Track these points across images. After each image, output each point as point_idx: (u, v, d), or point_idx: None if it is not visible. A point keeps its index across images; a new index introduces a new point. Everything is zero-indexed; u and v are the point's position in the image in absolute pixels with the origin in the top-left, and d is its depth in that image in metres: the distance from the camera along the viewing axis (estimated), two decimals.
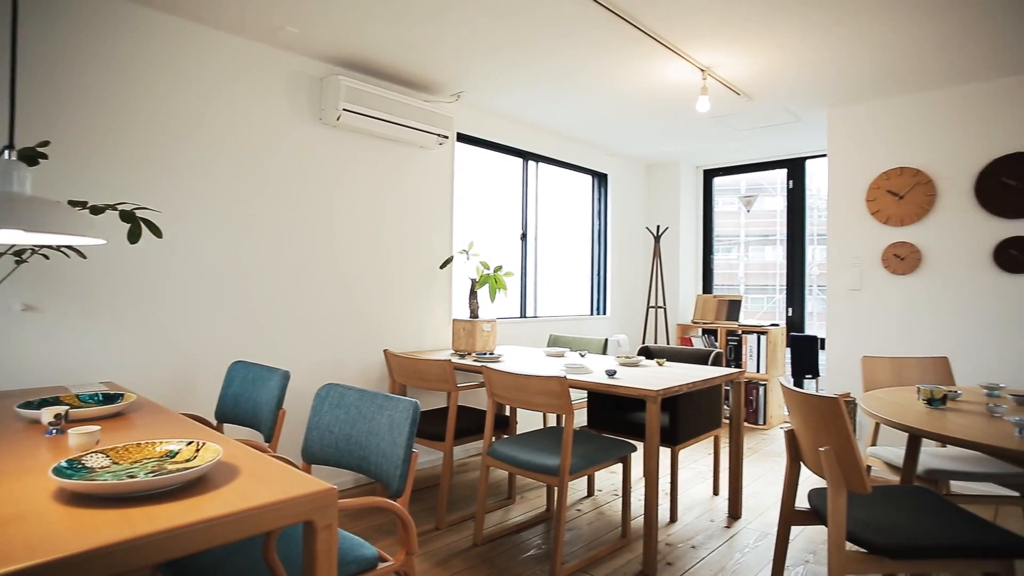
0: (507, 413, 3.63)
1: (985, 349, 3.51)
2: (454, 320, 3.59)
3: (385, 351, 3.29)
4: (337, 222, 3.37)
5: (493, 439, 3.19)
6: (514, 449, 2.56)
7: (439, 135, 3.67)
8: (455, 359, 3.25)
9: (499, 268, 3.61)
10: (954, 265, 3.61)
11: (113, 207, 2.00)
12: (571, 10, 2.68)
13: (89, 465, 1.22)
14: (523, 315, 4.68)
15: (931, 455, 2.51)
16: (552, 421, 4.51)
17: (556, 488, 2.33)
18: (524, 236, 4.69)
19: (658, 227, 5.82)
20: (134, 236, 1.93)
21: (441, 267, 3.68)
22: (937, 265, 3.67)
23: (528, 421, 4.52)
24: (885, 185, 3.85)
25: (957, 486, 3.51)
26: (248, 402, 2.30)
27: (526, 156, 4.70)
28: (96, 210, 1.99)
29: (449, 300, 4.02)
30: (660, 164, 5.86)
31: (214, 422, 2.46)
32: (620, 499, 3.28)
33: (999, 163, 3.46)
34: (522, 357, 3.43)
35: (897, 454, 2.57)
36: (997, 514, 3.15)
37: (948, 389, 2.28)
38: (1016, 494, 2.36)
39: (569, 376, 2.66)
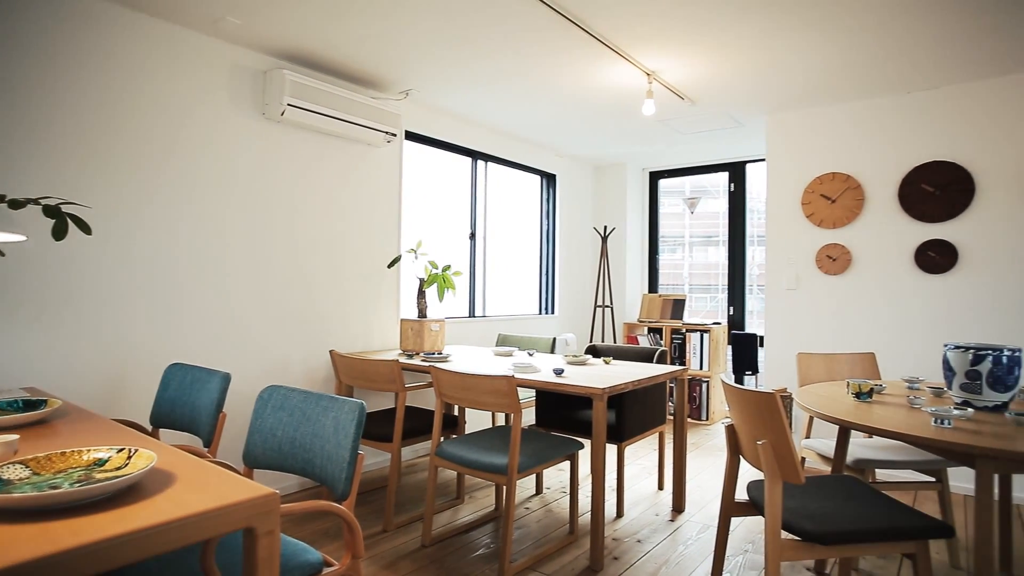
0: (456, 413, 3.62)
1: (907, 345, 3.72)
2: (402, 320, 3.55)
3: (331, 352, 3.23)
4: (281, 220, 3.29)
5: (441, 439, 3.18)
6: (463, 449, 2.55)
7: (387, 133, 3.62)
8: (403, 359, 3.22)
9: (448, 267, 3.60)
10: (880, 266, 3.82)
11: (36, 201, 1.89)
12: (520, 10, 2.70)
13: (6, 477, 1.15)
14: (472, 315, 4.68)
15: (859, 445, 2.65)
16: (501, 420, 4.52)
17: (505, 487, 2.34)
18: (473, 235, 4.69)
19: (605, 227, 5.92)
20: (59, 233, 1.83)
21: (389, 266, 3.64)
22: (865, 266, 3.87)
23: (477, 421, 4.51)
24: (819, 189, 4.03)
25: (882, 474, 3.71)
26: (186, 406, 2.22)
27: (475, 155, 4.70)
28: (16, 204, 1.87)
29: (397, 300, 3.97)
30: (608, 165, 5.96)
31: (149, 427, 2.35)
32: (568, 496, 3.32)
33: (919, 170, 3.68)
34: (471, 357, 3.43)
35: (829, 445, 2.69)
36: (916, 499, 3.35)
37: (874, 383, 2.40)
38: (933, 479, 2.52)
39: (517, 375, 2.68)
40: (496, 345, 4.23)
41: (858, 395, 2.19)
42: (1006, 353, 1.95)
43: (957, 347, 2.04)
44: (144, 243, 2.76)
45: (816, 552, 1.70)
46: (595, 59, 3.25)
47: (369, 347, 3.79)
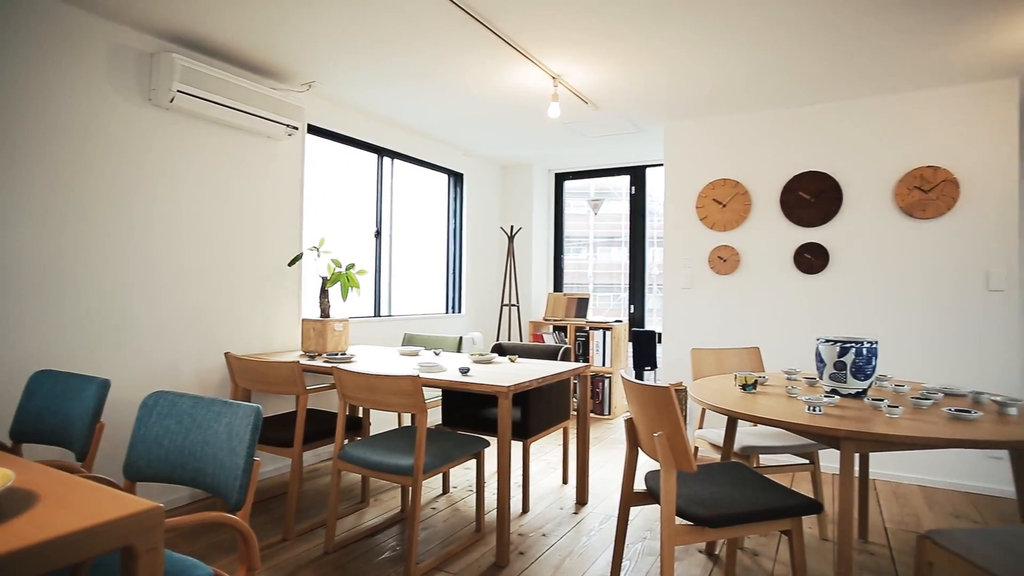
0: (360, 415, 3.53)
1: (788, 339, 4.04)
2: (304, 320, 3.42)
3: (226, 354, 3.06)
4: (171, 214, 3.07)
5: (345, 442, 3.10)
6: (367, 451, 2.50)
7: (288, 125, 3.48)
8: (304, 360, 3.10)
9: (352, 266, 3.50)
10: (765, 267, 4.12)
11: None
12: (428, 8, 2.67)
13: None
14: (377, 314, 4.58)
15: (746, 433, 2.85)
16: (407, 421, 4.47)
17: (411, 488, 2.31)
18: (379, 233, 4.60)
19: (512, 227, 5.99)
20: None
21: (290, 264, 3.50)
22: (752, 266, 4.17)
23: (382, 422, 4.43)
24: (711, 194, 4.29)
25: (765, 459, 4.01)
26: (56, 416, 2.02)
27: (381, 152, 4.61)
28: None
29: (299, 299, 3.82)
30: (515, 166, 6.04)
31: (8, 443, 2.13)
32: (475, 494, 3.34)
33: (798, 179, 4.00)
34: (376, 357, 3.36)
35: (719, 435, 2.87)
36: (793, 480, 3.65)
37: (758, 375, 2.59)
38: (807, 461, 2.76)
39: (423, 375, 2.66)
40: (402, 345, 4.17)
41: (744, 387, 2.35)
42: (866, 345, 2.16)
43: (827, 341, 2.24)
44: (11, 239, 2.48)
45: (707, 535, 1.81)
46: (502, 60, 3.28)
47: (269, 348, 3.62)
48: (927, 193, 3.66)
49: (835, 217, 3.91)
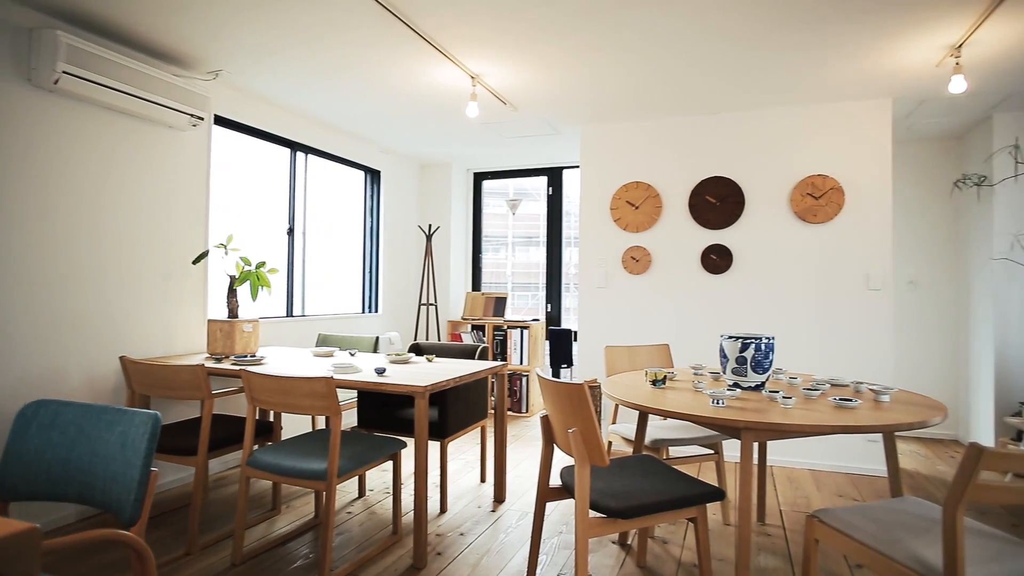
0: (271, 419, 3.40)
1: (695, 336, 4.25)
2: (209, 320, 3.25)
3: (122, 358, 2.85)
4: (56, 206, 2.82)
5: (255, 448, 2.97)
6: (278, 456, 2.41)
7: (193, 115, 3.28)
8: (210, 363, 2.95)
9: (262, 264, 3.36)
10: (674, 267, 4.32)
11: None
12: (345, 1, 2.61)
13: None
14: (290, 314, 4.42)
15: (656, 427, 2.97)
16: (321, 424, 4.33)
17: (324, 493, 2.25)
18: (291, 231, 4.43)
19: (430, 226, 5.95)
20: None
21: (194, 262, 3.31)
22: (663, 266, 4.35)
23: (296, 426, 4.28)
24: (625, 196, 4.44)
25: (674, 451, 4.20)
26: None
27: (295, 147, 4.44)
28: None
29: (204, 299, 3.62)
30: (433, 164, 5.99)
31: None
32: (392, 496, 3.29)
33: (705, 184, 4.22)
34: (287, 358, 3.24)
35: (632, 429, 2.98)
36: (700, 470, 3.85)
37: (667, 371, 2.71)
38: (712, 451, 2.92)
39: (337, 376, 2.59)
40: (316, 346, 4.05)
41: (654, 382, 2.45)
42: (764, 341, 2.31)
43: (730, 337, 2.38)
44: None
45: (619, 526, 1.88)
46: (421, 57, 3.25)
47: (171, 351, 3.41)
48: (818, 200, 3.95)
49: (738, 220, 4.16)
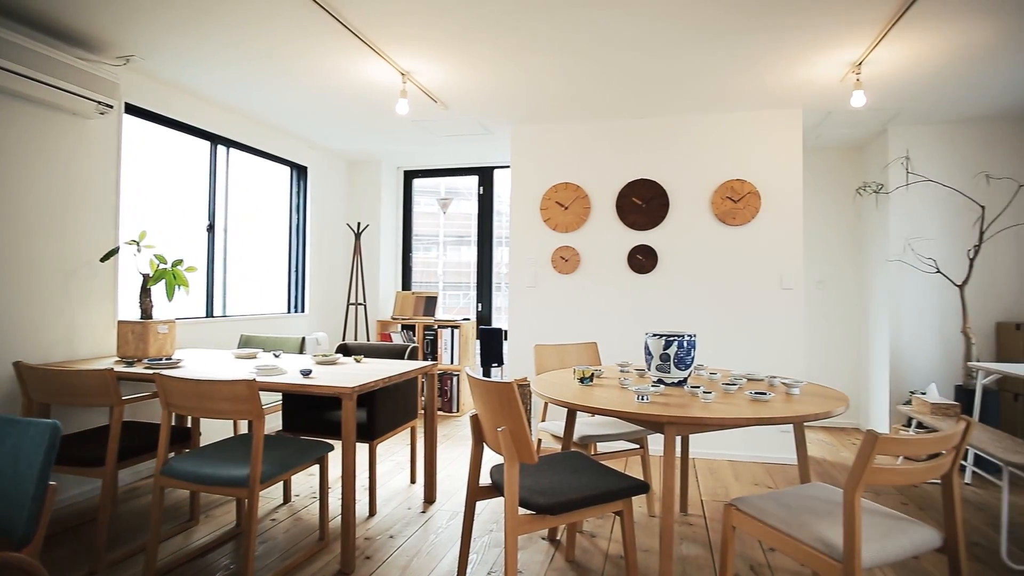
0: (189, 425, 3.23)
1: (622, 333, 4.38)
2: (120, 322, 3.06)
3: (16, 363, 2.64)
4: None
5: (171, 455, 2.82)
6: (196, 464, 2.30)
7: (100, 102, 3.08)
8: (120, 367, 2.77)
9: (179, 262, 3.20)
10: (602, 267, 4.42)
11: None
12: None
13: None
14: (210, 315, 4.22)
15: (584, 424, 3.04)
16: (244, 429, 4.17)
17: (246, 500, 2.17)
18: (211, 227, 4.23)
19: (359, 224, 5.83)
20: None
21: (102, 260, 3.11)
22: (591, 266, 4.45)
23: (217, 432, 4.10)
24: (554, 197, 4.51)
25: (602, 447, 4.30)
26: None
27: (215, 140, 4.24)
28: None
29: (114, 299, 3.40)
30: (362, 161, 5.88)
31: None
32: (318, 501, 3.21)
33: (631, 186, 4.35)
34: (207, 361, 3.10)
35: (561, 426, 3.03)
36: (626, 464, 3.96)
37: (595, 368, 2.78)
38: (637, 446, 3.02)
39: (260, 378, 2.50)
40: (238, 347, 3.89)
41: (582, 380, 2.51)
42: (686, 338, 2.41)
43: (654, 335, 2.46)
44: None
45: (548, 522, 1.91)
46: (350, 52, 3.18)
47: (75, 356, 3.18)
48: (736, 203, 4.16)
49: (663, 222, 4.31)
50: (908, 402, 4.34)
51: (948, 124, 4.38)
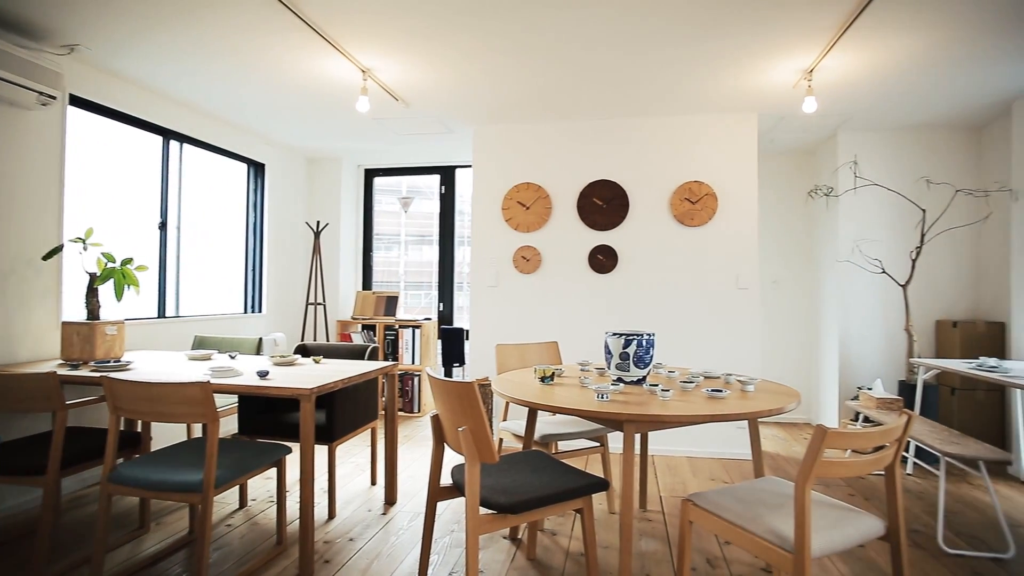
0: (139, 429, 3.13)
1: (583, 333, 4.42)
2: (64, 323, 2.94)
3: None
4: None
5: (119, 461, 2.72)
6: (147, 469, 2.22)
7: (42, 93, 2.95)
8: (65, 370, 2.67)
9: (128, 261, 3.09)
10: (564, 266, 4.46)
11: None
12: None
13: None
14: (162, 315, 4.09)
15: (545, 423, 3.06)
16: (198, 432, 4.05)
17: (200, 506, 2.11)
18: (164, 225, 4.10)
19: (319, 223, 5.74)
20: None
21: (45, 258, 2.98)
22: (552, 266, 4.48)
23: (172, 435, 3.97)
24: (516, 197, 4.52)
25: (563, 445, 4.34)
26: None
27: (168, 134, 4.11)
28: None
29: (58, 299, 3.27)
30: (322, 159, 5.79)
31: None
32: (276, 505, 3.14)
33: (592, 186, 4.40)
34: (159, 362, 3.00)
35: (522, 425, 3.05)
36: (587, 462, 4.01)
37: (556, 368, 2.80)
38: (598, 444, 3.06)
39: (214, 380, 2.44)
40: (192, 348, 3.78)
41: (543, 379, 2.52)
42: (645, 337, 2.46)
43: (614, 334, 2.50)
44: None
45: (509, 521, 1.92)
46: (310, 47, 3.13)
47: (14, 359, 3.04)
48: (694, 204, 4.25)
49: (623, 222, 4.37)
50: (856, 397, 4.51)
51: (893, 131, 4.57)
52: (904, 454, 3.98)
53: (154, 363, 3.00)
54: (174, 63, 3.38)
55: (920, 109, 4.05)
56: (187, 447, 2.50)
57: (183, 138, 4.25)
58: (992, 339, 4.11)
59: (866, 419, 4.14)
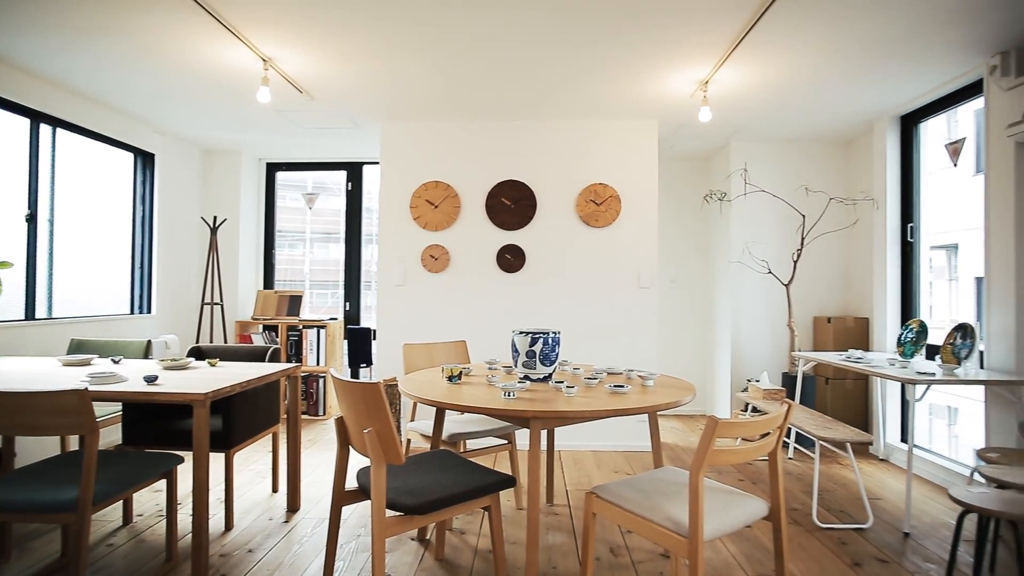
0: (1, 445, 2.82)
1: (491, 332, 4.46)
2: None
3: None
4: None
5: None
6: (7, 489, 2.01)
7: None
8: None
9: None
10: (472, 266, 4.47)
11: None
12: None
13: None
14: (31, 317, 3.71)
15: (454, 421, 3.05)
16: (75, 445, 3.71)
17: (74, 526, 1.94)
18: (32, 218, 3.72)
19: (216, 218, 5.42)
20: None
21: None
22: (461, 265, 4.48)
23: (41, 450, 3.61)
24: (425, 195, 4.48)
25: (471, 444, 4.35)
26: None
27: (39, 117, 3.73)
28: None
29: None
30: (219, 151, 5.47)
31: None
32: (165, 519, 2.94)
33: (501, 186, 4.44)
34: (26, 370, 2.72)
35: (431, 425, 3.03)
36: (496, 460, 4.04)
37: (463, 367, 2.81)
38: (506, 441, 3.09)
39: (93, 387, 2.25)
40: (68, 353, 3.46)
41: (450, 378, 2.52)
42: (551, 335, 2.51)
43: (521, 332, 2.53)
44: None
45: (416, 522, 1.90)
46: (206, 32, 2.95)
47: None
48: (599, 206, 4.39)
49: (531, 222, 4.44)
50: (745, 389, 4.83)
51: (778, 141, 4.94)
52: (785, 440, 4.32)
53: (20, 370, 2.72)
54: (45, 36, 3.07)
55: (800, 123, 4.40)
56: (60, 462, 2.29)
57: (56, 122, 3.88)
58: (860, 333, 4.54)
59: (754, 409, 4.46)
